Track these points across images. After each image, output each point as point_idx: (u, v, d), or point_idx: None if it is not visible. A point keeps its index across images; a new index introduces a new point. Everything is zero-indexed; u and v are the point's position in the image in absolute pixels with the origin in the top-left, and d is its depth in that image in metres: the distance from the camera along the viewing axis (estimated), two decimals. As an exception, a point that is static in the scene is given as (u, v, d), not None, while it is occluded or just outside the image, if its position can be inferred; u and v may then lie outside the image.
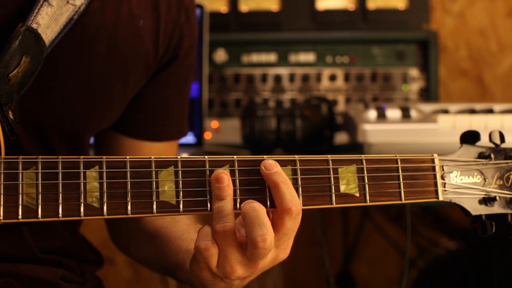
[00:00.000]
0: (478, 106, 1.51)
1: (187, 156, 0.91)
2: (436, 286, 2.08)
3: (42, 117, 1.01)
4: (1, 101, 0.91)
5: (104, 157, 0.89)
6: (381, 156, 0.94)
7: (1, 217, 0.86)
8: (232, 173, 0.90)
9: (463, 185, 0.97)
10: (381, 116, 1.46)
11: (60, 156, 0.88)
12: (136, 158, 0.89)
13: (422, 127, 1.42)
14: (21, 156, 0.88)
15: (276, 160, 0.91)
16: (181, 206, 0.89)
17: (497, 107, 1.49)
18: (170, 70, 1.13)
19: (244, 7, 1.85)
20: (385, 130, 1.42)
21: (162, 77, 1.13)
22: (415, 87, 1.85)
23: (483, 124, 1.40)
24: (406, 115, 1.46)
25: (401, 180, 0.94)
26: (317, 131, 1.54)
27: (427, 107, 1.53)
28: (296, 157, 0.92)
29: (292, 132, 1.53)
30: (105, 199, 0.88)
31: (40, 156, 0.88)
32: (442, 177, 0.96)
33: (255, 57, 1.84)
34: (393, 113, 1.47)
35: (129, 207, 0.88)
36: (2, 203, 0.86)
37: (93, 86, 1.04)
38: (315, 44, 1.85)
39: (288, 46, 1.84)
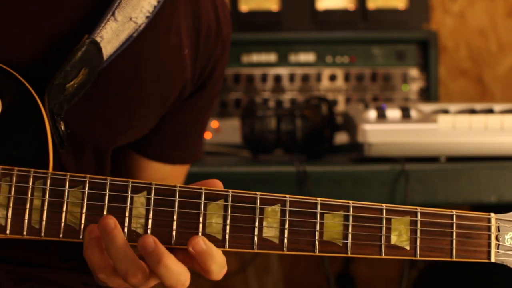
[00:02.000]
0: (478, 106, 1.51)
1: (239, 191, 0.88)
2: (436, 286, 2.08)
3: (81, 133, 1.00)
4: (54, 111, 0.91)
5: (153, 183, 0.87)
6: (437, 210, 0.91)
7: (42, 234, 0.86)
8: (282, 213, 0.88)
9: None
10: (381, 116, 1.46)
11: (109, 178, 0.87)
12: (186, 187, 0.87)
13: (422, 127, 1.42)
14: (68, 173, 0.87)
15: (329, 204, 0.89)
16: (227, 241, 0.88)
17: (497, 107, 1.49)
18: (195, 98, 1.12)
19: (244, 7, 1.85)
20: (385, 130, 1.42)
21: (187, 104, 1.12)
22: (415, 87, 1.85)
23: (483, 124, 1.40)
24: (406, 115, 1.46)
25: (454, 237, 0.91)
26: (317, 131, 1.54)
27: (427, 107, 1.53)
28: (350, 202, 0.89)
29: (292, 132, 1.53)
30: (150, 226, 0.86)
31: (88, 175, 0.87)
32: (497, 238, 0.93)
33: (255, 57, 1.84)
34: (393, 113, 1.46)
35: (174, 236, 0.87)
36: (44, 220, 0.86)
37: (135, 110, 1.03)
38: (315, 44, 1.85)
39: (288, 46, 1.84)
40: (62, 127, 0.92)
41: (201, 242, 0.85)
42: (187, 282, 0.87)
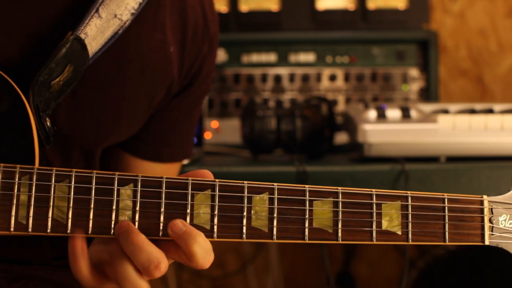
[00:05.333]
0: (478, 106, 1.51)
1: (226, 180, 0.88)
2: (436, 286, 2.08)
3: (67, 131, 1.00)
4: (39, 107, 0.91)
5: (140, 175, 0.87)
6: (428, 194, 0.91)
7: (30, 230, 0.85)
8: (270, 201, 0.88)
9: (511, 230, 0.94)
10: (381, 116, 1.46)
11: (95, 171, 0.87)
12: (173, 178, 0.87)
13: (422, 127, 1.42)
14: (54, 168, 0.86)
15: (318, 191, 0.88)
16: (215, 231, 0.87)
17: (497, 107, 1.49)
18: (183, 95, 1.13)
19: (244, 7, 1.85)
20: (385, 130, 1.42)
21: (175, 101, 1.12)
22: (415, 87, 1.85)
23: (483, 124, 1.40)
24: (406, 115, 1.46)
25: (447, 220, 0.90)
26: (317, 131, 1.54)
27: (427, 107, 1.53)
28: (339, 189, 0.89)
29: (292, 132, 1.53)
30: (137, 218, 0.86)
31: (74, 170, 0.86)
32: (490, 220, 0.92)
33: (255, 57, 1.84)
34: (393, 113, 1.47)
35: (161, 228, 0.86)
36: (31, 215, 0.85)
37: (121, 107, 1.04)
38: (315, 44, 1.85)
39: (288, 46, 1.84)
40: (48, 123, 0.92)
41: (179, 224, 0.84)
42: (163, 266, 0.84)
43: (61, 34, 0.94)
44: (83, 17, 0.95)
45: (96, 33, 0.95)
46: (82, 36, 0.94)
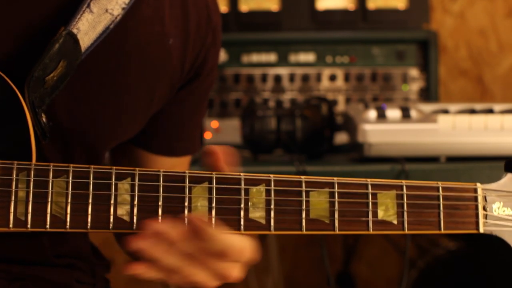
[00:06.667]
0: (478, 106, 1.51)
1: (223, 173, 0.88)
2: (436, 286, 2.08)
3: (67, 128, 1.00)
4: (34, 103, 0.91)
5: (137, 169, 0.87)
6: (422, 183, 0.92)
7: (29, 226, 0.86)
8: (267, 192, 0.88)
9: (505, 217, 0.94)
10: (381, 116, 1.46)
11: (92, 166, 0.87)
12: (170, 172, 0.88)
13: (422, 127, 1.42)
14: (52, 164, 0.87)
15: (314, 182, 0.89)
16: (213, 223, 0.87)
17: (497, 107, 1.49)
18: (190, 88, 1.13)
19: (244, 7, 1.85)
20: (385, 130, 1.42)
21: (182, 94, 1.12)
22: (415, 87, 1.85)
23: (483, 124, 1.40)
24: (406, 115, 1.46)
25: (442, 209, 0.91)
26: (317, 131, 1.54)
27: (427, 107, 1.53)
28: (335, 179, 0.89)
29: (292, 132, 1.53)
30: (135, 213, 0.86)
31: (72, 165, 0.87)
32: (484, 208, 0.93)
33: (255, 57, 1.84)
34: (393, 113, 1.47)
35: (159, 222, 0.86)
36: (30, 211, 0.86)
37: (122, 101, 1.04)
38: (315, 44, 1.85)
39: (288, 46, 1.84)
40: (44, 119, 0.92)
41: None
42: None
43: (54, 29, 0.94)
44: (75, 12, 0.95)
45: (88, 28, 0.95)
46: (75, 31, 0.94)
